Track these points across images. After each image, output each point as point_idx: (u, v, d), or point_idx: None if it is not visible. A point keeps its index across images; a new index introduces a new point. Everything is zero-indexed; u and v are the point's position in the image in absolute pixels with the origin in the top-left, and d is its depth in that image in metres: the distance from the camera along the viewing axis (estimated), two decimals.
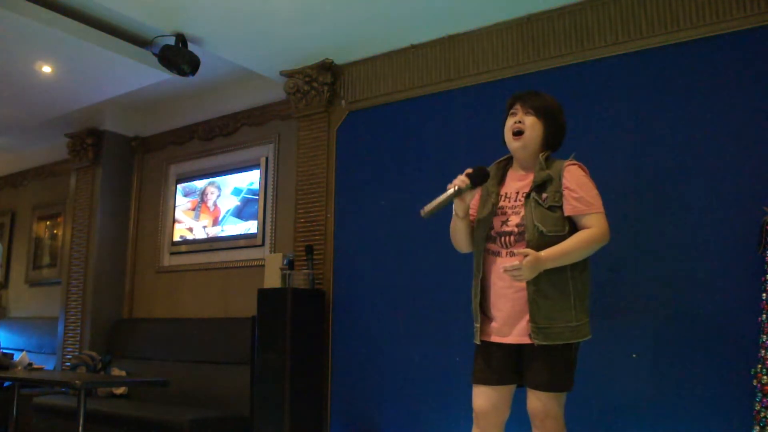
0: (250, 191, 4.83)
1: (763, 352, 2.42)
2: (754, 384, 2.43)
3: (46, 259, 6.17)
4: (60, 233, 6.03)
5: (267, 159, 4.73)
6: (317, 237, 4.08)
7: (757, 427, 2.38)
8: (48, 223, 6.26)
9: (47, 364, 5.35)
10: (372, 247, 3.86)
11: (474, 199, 2.31)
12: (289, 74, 4.22)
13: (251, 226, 4.76)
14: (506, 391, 2.22)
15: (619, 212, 3.05)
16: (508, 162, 2.36)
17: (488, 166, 2.31)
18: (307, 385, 3.71)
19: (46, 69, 4.30)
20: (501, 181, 2.32)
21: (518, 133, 2.24)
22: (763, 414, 2.37)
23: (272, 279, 3.98)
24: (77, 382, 3.29)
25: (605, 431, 2.94)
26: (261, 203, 4.70)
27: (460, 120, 3.62)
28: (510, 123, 2.28)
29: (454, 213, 2.29)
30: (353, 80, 4.13)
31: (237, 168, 4.92)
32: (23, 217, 6.58)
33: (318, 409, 3.79)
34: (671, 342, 2.84)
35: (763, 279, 2.49)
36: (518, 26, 3.49)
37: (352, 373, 3.81)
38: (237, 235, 4.83)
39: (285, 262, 3.93)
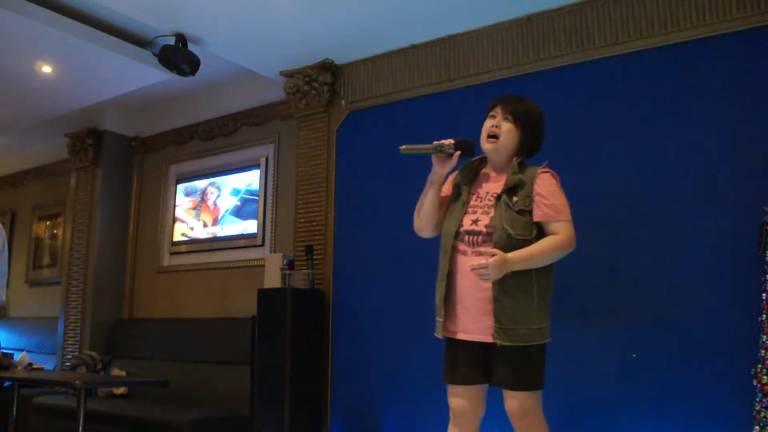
0: (248, 191, 4.83)
1: (763, 352, 2.42)
2: (754, 384, 2.43)
3: (46, 259, 6.17)
4: (60, 233, 6.03)
5: (267, 159, 4.73)
6: (317, 237, 4.08)
7: (757, 427, 2.38)
8: (48, 223, 6.26)
9: (47, 364, 5.35)
10: (372, 247, 3.86)
11: (448, 182, 2.37)
12: (289, 74, 4.22)
13: (249, 225, 4.76)
14: (479, 390, 2.27)
15: (619, 212, 3.06)
16: (482, 162, 2.40)
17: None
18: (307, 385, 3.71)
19: (46, 69, 4.30)
20: (473, 179, 2.36)
21: (493, 137, 2.29)
22: (763, 414, 2.37)
23: (272, 279, 3.98)
24: (77, 382, 3.29)
25: (605, 431, 2.94)
26: (261, 203, 4.70)
27: (460, 120, 3.62)
28: (487, 125, 2.32)
29: (428, 181, 2.32)
30: (353, 80, 4.13)
31: (237, 168, 4.92)
32: (23, 217, 6.58)
33: (318, 409, 3.79)
34: (671, 342, 2.84)
35: (763, 279, 2.49)
36: (518, 26, 3.49)
37: (352, 373, 3.81)
38: (237, 235, 4.83)
39: (285, 262, 3.93)
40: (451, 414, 2.32)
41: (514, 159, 2.28)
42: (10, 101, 4.90)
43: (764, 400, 2.38)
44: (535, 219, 2.19)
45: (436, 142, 2.24)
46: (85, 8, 3.78)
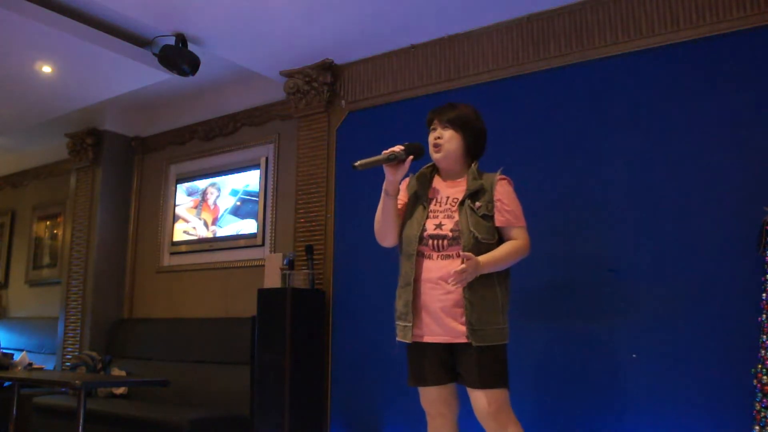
0: (246, 192, 4.85)
1: (763, 352, 2.42)
2: (754, 384, 2.43)
3: (46, 259, 6.17)
4: (60, 233, 6.03)
5: (267, 159, 4.73)
6: (317, 237, 4.08)
7: (757, 427, 2.39)
8: (48, 223, 6.26)
9: (47, 364, 5.35)
10: (372, 247, 3.84)
11: (402, 190, 2.42)
12: (289, 74, 4.22)
13: (247, 224, 4.77)
14: (449, 389, 2.32)
15: (619, 212, 3.07)
16: (434, 169, 2.46)
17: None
18: (307, 385, 3.71)
19: (46, 69, 4.30)
20: (428, 185, 2.42)
21: (437, 146, 2.36)
22: (763, 414, 2.37)
23: (272, 279, 3.98)
24: (77, 382, 3.29)
25: (605, 431, 2.94)
26: (261, 203, 4.71)
27: None
28: (430, 138, 2.39)
29: (383, 193, 2.36)
30: (353, 80, 4.13)
31: (237, 168, 4.92)
32: (23, 217, 6.58)
33: (318, 409, 3.78)
34: (671, 342, 2.84)
35: (763, 279, 2.49)
36: (518, 26, 3.49)
37: (352, 373, 3.81)
38: (237, 235, 4.83)
39: (285, 262, 3.93)
40: (428, 418, 2.36)
41: (473, 164, 2.35)
42: (10, 101, 4.90)
43: (764, 400, 2.38)
44: (497, 224, 2.28)
45: (386, 151, 2.28)
46: (85, 8, 3.78)
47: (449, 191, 2.36)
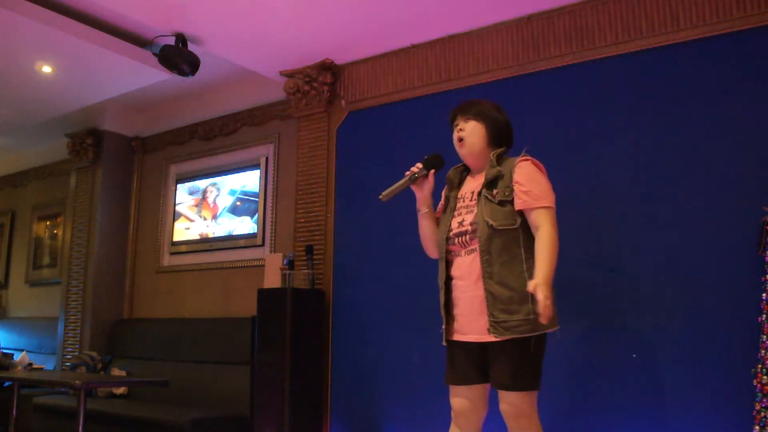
0: (243, 192, 4.86)
1: (763, 352, 2.42)
2: (754, 384, 2.43)
3: (46, 259, 6.17)
4: (60, 233, 6.03)
5: (267, 159, 4.73)
6: (317, 237, 4.08)
7: (757, 427, 2.38)
8: (48, 223, 6.26)
9: (47, 364, 5.35)
10: (372, 247, 3.86)
11: (442, 200, 2.43)
12: (289, 74, 4.22)
13: (245, 222, 4.79)
14: (480, 390, 2.27)
15: (619, 212, 3.06)
16: (465, 168, 2.45)
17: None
18: (307, 385, 3.71)
19: (46, 69, 4.30)
20: (459, 185, 2.41)
21: (461, 140, 2.34)
22: (763, 414, 2.37)
23: (272, 279, 3.98)
24: (77, 382, 3.29)
25: (605, 431, 2.94)
26: (261, 203, 4.71)
27: None
28: (454, 137, 2.38)
29: (418, 212, 2.39)
30: (353, 80, 4.13)
31: (237, 168, 4.92)
32: (23, 217, 6.58)
33: (318, 409, 3.79)
34: (671, 342, 2.84)
35: (763, 279, 2.49)
36: (518, 26, 3.49)
37: (352, 373, 3.81)
38: (237, 235, 4.83)
39: (285, 262, 3.93)
40: (452, 414, 2.33)
41: (492, 153, 2.30)
42: (10, 101, 4.90)
43: (764, 400, 2.38)
44: (516, 208, 2.19)
45: (407, 173, 2.30)
46: (85, 8, 3.78)
47: (473, 186, 2.34)
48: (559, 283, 3.14)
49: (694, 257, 2.84)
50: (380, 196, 2.27)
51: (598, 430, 2.95)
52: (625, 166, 3.07)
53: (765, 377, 2.39)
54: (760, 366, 2.41)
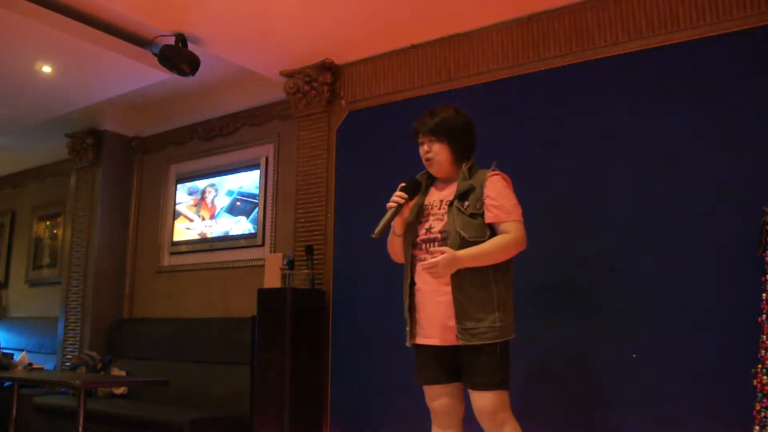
0: (240, 193, 4.87)
1: (763, 352, 2.42)
2: (754, 384, 2.43)
3: (46, 259, 6.17)
4: (60, 233, 6.03)
5: (267, 159, 4.73)
6: (317, 237, 4.08)
7: (757, 428, 2.39)
8: (48, 223, 6.26)
9: (47, 364, 5.35)
10: (372, 247, 3.84)
11: (407, 207, 2.43)
12: (289, 74, 4.22)
13: (242, 222, 4.80)
14: (453, 389, 2.32)
15: (619, 212, 3.06)
16: (430, 176, 2.48)
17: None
18: (307, 385, 3.71)
19: (46, 69, 4.30)
20: (425, 191, 2.45)
21: (428, 160, 2.39)
22: (763, 414, 2.37)
23: (272, 279, 3.98)
24: (77, 382, 3.29)
25: (604, 431, 2.94)
26: (261, 203, 4.71)
27: None
28: (421, 152, 2.42)
29: (391, 231, 2.43)
30: (353, 80, 4.13)
31: (237, 168, 4.92)
32: (23, 217, 6.58)
33: (318, 409, 3.78)
34: (671, 342, 2.84)
35: (763, 279, 2.49)
36: (518, 26, 3.49)
37: (352, 373, 3.81)
38: (237, 235, 4.83)
39: (285, 262, 3.93)
40: (432, 416, 2.37)
41: (464, 165, 2.36)
42: (10, 101, 4.90)
43: (764, 400, 2.38)
44: (486, 221, 2.25)
45: (390, 205, 2.32)
46: (85, 8, 3.78)
47: (441, 195, 2.39)
48: (559, 283, 3.16)
49: (694, 257, 2.84)
50: (372, 235, 2.31)
51: (598, 430, 2.95)
52: (625, 166, 3.07)
53: (765, 377, 2.39)
54: (760, 366, 2.41)
